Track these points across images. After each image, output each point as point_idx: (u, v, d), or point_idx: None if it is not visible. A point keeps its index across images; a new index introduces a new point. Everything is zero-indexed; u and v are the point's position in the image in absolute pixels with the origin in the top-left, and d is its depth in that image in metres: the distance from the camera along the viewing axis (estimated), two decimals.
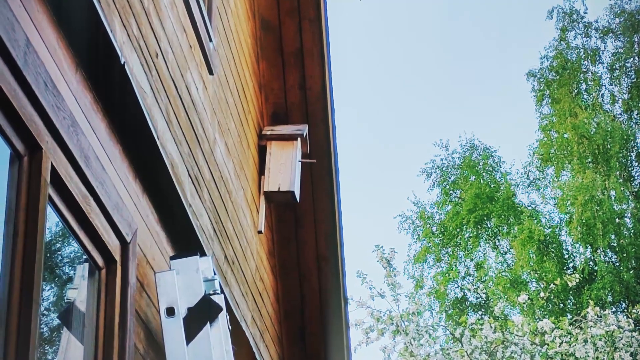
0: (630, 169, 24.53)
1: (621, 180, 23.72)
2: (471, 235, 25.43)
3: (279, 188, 7.32)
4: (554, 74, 25.54)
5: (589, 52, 25.55)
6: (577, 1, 29.85)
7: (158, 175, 4.31)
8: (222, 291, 4.60)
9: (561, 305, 22.94)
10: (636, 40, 25.23)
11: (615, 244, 22.80)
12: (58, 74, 3.18)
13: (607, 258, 22.92)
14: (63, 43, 3.28)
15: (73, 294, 3.59)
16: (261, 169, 7.44)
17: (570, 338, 14.30)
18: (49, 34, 3.14)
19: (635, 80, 25.10)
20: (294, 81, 7.76)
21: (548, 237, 23.58)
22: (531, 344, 14.04)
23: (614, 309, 21.78)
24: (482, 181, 25.80)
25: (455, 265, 25.65)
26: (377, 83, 45.59)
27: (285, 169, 7.36)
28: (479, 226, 25.32)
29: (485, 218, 25.25)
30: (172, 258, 4.45)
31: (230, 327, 4.70)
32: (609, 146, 23.58)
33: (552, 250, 23.47)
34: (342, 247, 8.37)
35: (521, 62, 42.48)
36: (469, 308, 25.12)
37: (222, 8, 6.28)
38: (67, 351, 3.47)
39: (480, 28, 40.05)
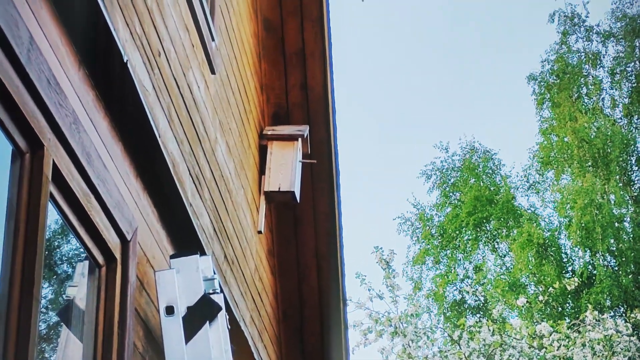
0: (630, 174, 24.53)
1: (621, 184, 23.72)
2: (470, 237, 25.43)
3: (279, 188, 7.31)
4: (554, 78, 25.54)
5: (590, 56, 25.55)
6: (578, 5, 29.97)
7: (159, 173, 4.31)
8: (221, 290, 4.60)
9: (560, 308, 22.93)
10: (637, 44, 25.23)
11: (614, 248, 22.79)
12: (61, 71, 3.18)
13: (606, 262, 22.92)
14: (66, 40, 3.28)
15: (73, 292, 3.59)
16: (262, 169, 7.44)
17: (568, 342, 14.31)
18: (52, 31, 3.13)
19: (635, 84, 25.09)
20: (295, 81, 7.75)
21: (547, 241, 23.58)
22: (529, 347, 14.05)
23: (612, 313, 21.79)
24: (481, 184, 25.81)
25: (454, 268, 25.66)
26: (378, 84, 45.59)
27: (286, 169, 7.36)
28: (478, 229, 25.33)
29: (484, 221, 25.25)
30: (172, 257, 4.45)
31: (229, 327, 4.70)
32: (609, 150, 23.58)
33: (551, 253, 23.47)
34: (342, 248, 8.37)
35: (522, 65, 42.57)
36: (468, 310, 25.12)
37: (225, 7, 6.28)
38: (66, 349, 3.46)
39: (482, 31, 40.08)
